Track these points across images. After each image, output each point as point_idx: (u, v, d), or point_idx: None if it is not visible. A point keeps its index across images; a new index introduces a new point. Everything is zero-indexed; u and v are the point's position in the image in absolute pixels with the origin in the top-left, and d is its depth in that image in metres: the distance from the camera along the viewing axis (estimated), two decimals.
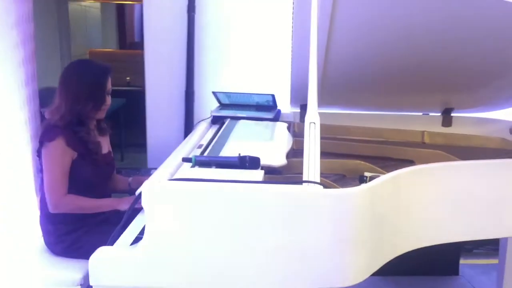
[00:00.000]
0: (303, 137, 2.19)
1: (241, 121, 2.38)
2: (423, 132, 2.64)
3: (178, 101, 3.28)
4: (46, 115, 2.06)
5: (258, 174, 1.61)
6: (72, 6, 6.00)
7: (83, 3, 6.79)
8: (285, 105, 2.71)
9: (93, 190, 2.06)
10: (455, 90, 2.57)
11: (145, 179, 2.33)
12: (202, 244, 1.47)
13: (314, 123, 1.60)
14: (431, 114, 2.81)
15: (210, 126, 2.47)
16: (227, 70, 3.26)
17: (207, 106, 3.23)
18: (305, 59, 2.17)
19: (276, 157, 1.81)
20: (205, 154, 1.90)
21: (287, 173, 1.88)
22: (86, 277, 1.96)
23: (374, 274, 1.57)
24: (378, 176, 1.65)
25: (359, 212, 1.49)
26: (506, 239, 2.43)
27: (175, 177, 1.64)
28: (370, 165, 1.99)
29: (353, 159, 2.10)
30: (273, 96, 2.64)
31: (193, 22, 3.17)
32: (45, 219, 2.06)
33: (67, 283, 1.99)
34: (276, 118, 2.54)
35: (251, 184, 1.48)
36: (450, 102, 2.71)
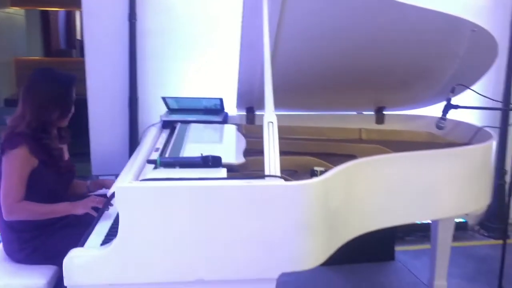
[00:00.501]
0: (252, 138, 2.35)
1: (193, 124, 2.46)
2: (360, 129, 2.87)
3: (121, 108, 3.29)
4: (9, 123, 2.05)
5: (222, 172, 1.72)
6: None
7: (6, 10, 6.54)
8: (230, 109, 2.83)
9: (56, 197, 2.06)
10: (386, 91, 2.81)
11: (105, 182, 2.38)
12: (175, 238, 1.57)
13: (272, 122, 1.74)
14: (365, 113, 3.03)
15: (161, 131, 2.52)
16: (169, 76, 3.32)
17: (150, 112, 3.28)
18: (253, 64, 2.32)
19: (235, 155, 1.93)
20: (166, 156, 1.98)
21: (243, 171, 2.01)
22: (50, 282, 1.97)
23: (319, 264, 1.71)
24: (327, 170, 1.83)
25: (317, 202, 1.65)
26: (436, 224, 2.69)
27: (141, 178, 1.72)
28: (320, 160, 2.17)
29: (302, 156, 2.27)
30: (221, 99, 2.75)
31: (134, 29, 3.20)
32: (7, 228, 2.04)
33: None
34: (225, 120, 2.65)
35: (220, 181, 1.61)
36: (382, 101, 2.95)
